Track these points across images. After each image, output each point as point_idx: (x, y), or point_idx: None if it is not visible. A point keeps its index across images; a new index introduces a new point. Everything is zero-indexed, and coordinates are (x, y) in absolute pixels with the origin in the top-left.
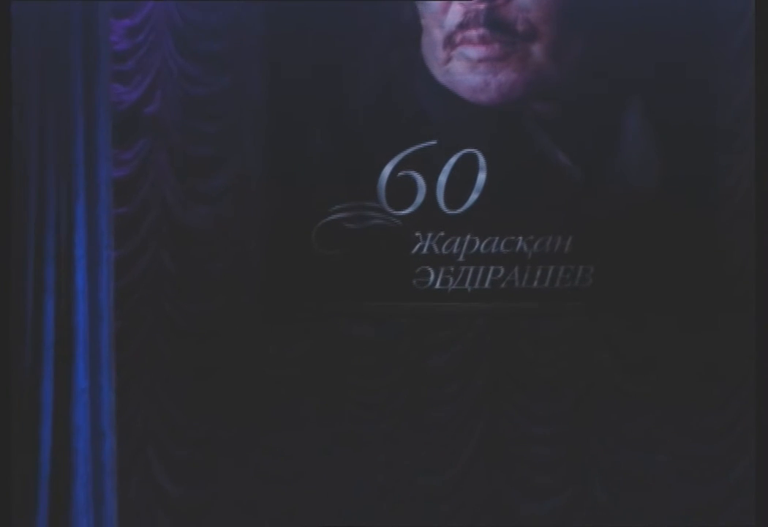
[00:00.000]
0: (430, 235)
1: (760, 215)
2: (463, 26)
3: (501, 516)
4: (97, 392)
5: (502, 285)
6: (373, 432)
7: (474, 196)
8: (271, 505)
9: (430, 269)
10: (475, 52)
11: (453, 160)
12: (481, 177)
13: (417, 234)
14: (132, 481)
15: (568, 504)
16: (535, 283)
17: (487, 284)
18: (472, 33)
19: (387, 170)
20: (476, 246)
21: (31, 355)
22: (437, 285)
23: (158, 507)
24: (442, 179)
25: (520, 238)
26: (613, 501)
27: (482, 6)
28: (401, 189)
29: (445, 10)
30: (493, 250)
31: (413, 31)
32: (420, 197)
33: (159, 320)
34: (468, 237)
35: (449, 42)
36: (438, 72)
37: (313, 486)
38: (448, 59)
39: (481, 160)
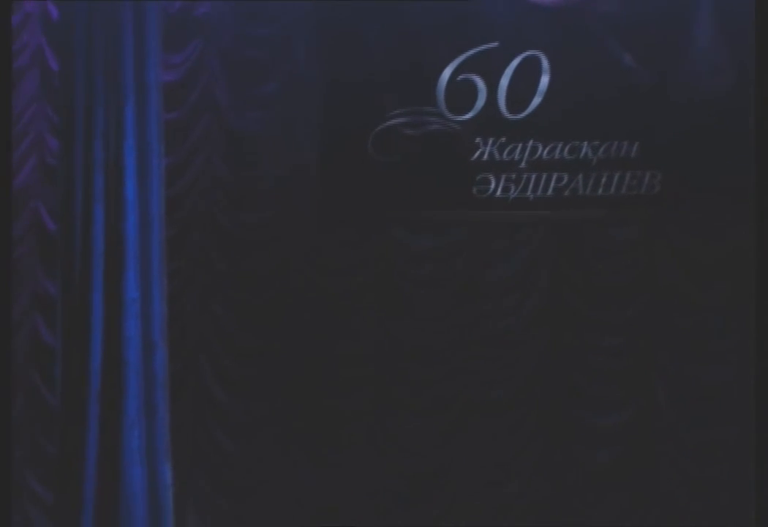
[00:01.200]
0: (490, 141)
1: (760, 215)
2: None
3: (564, 428)
4: (148, 303)
5: (566, 193)
6: (432, 343)
7: (537, 100)
8: (326, 414)
9: (490, 176)
10: None
11: (515, 63)
12: (544, 80)
13: (477, 140)
14: (184, 393)
15: (632, 416)
16: (600, 190)
17: (549, 192)
18: None
19: (446, 73)
20: (539, 152)
21: (80, 266)
22: (498, 193)
23: (211, 419)
24: (504, 82)
25: (585, 143)
26: (677, 413)
27: None
28: (461, 93)
29: None
30: (557, 156)
31: None
32: (480, 102)
33: (211, 229)
34: (530, 143)
35: None
36: None
37: (372, 393)
38: None
39: (545, 62)
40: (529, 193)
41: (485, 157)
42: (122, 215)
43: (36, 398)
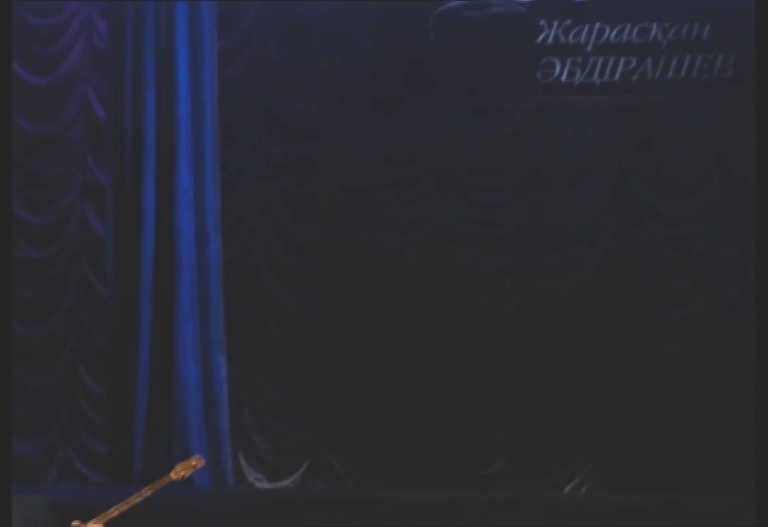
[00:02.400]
0: (556, 23)
1: (760, 215)
2: None
3: (631, 320)
4: (200, 193)
5: (634, 77)
6: (493, 232)
7: None
8: (383, 306)
9: (555, 60)
10: None
11: None
12: None
13: (542, 22)
14: (238, 285)
15: (702, 309)
16: (670, 74)
17: (617, 76)
18: None
19: None
20: (606, 35)
21: (130, 154)
22: (563, 78)
23: (265, 312)
24: None
25: (654, 25)
26: (747, 305)
27: None
28: None
29: None
30: (625, 39)
31: None
32: None
33: (264, 115)
34: (597, 25)
35: None
36: None
37: (426, 291)
38: None
39: None
40: (595, 77)
41: (550, 40)
42: (174, 101)
43: (87, 289)
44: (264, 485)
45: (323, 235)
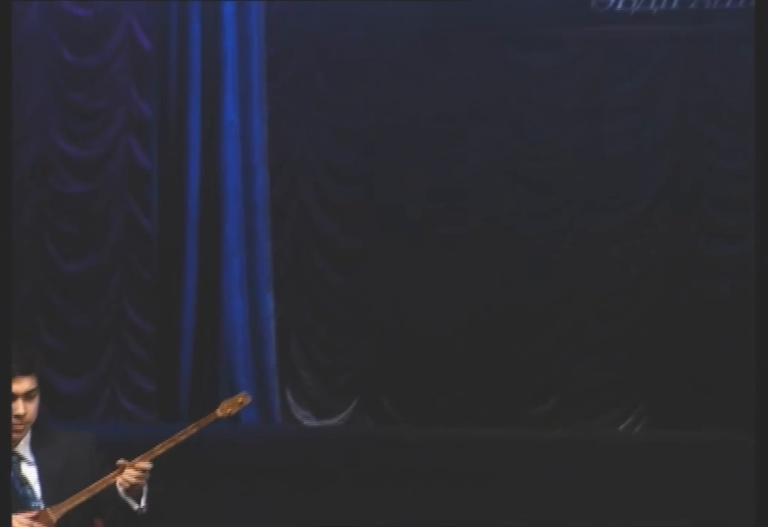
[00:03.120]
0: None
1: (760, 215)
2: None
3: (686, 256)
4: (247, 126)
5: (692, 6)
6: (544, 167)
7: None
8: (434, 241)
9: None
10: None
11: None
12: None
13: None
14: (286, 219)
15: None
16: (729, 2)
17: (674, 5)
18: None
19: None
20: None
21: (176, 86)
22: (619, 7)
23: (314, 247)
24: None
25: None
26: None
27: None
28: None
29: None
30: None
31: None
32: None
33: (313, 46)
34: None
35: None
36: None
37: (477, 225)
38: None
39: None
40: (652, 6)
41: None
42: (220, 32)
43: (132, 224)
44: (312, 423)
45: (372, 167)
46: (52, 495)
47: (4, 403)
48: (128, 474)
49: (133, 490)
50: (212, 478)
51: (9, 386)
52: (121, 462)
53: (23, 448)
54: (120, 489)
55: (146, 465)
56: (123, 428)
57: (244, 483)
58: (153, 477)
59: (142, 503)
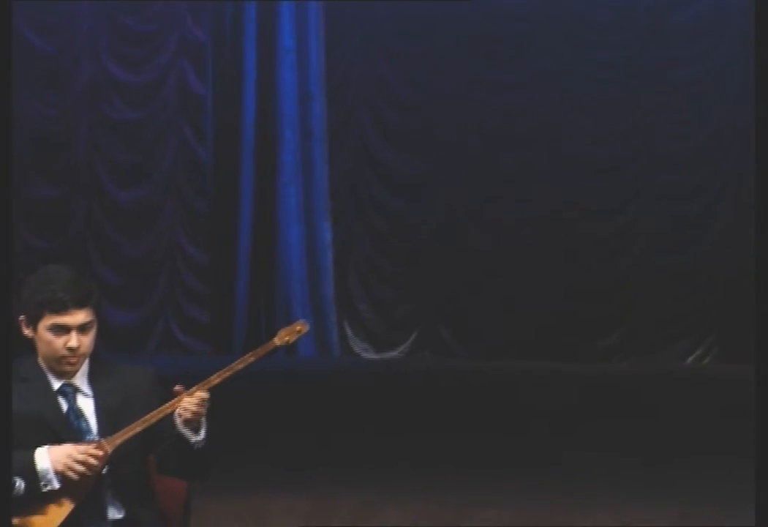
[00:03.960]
0: None
1: (760, 215)
2: None
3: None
4: (304, 51)
5: None
6: (610, 92)
7: None
8: (496, 170)
9: None
10: None
11: None
12: None
13: None
14: (343, 148)
15: None
16: None
17: None
18: None
19: None
20: None
21: (231, 12)
22: None
23: (372, 176)
24: None
25: None
26: None
27: None
28: None
29: None
30: None
31: None
32: None
33: None
34: None
35: None
36: None
37: (544, 151)
38: None
39: None
40: None
41: None
42: None
43: (186, 152)
44: (370, 355)
45: (431, 93)
46: (107, 428)
47: (4, 402)
48: (186, 403)
49: (191, 422)
50: (270, 412)
51: (9, 386)
52: (178, 388)
53: (80, 380)
54: (178, 421)
55: (204, 394)
56: (177, 360)
57: (302, 417)
58: (209, 410)
59: (201, 435)
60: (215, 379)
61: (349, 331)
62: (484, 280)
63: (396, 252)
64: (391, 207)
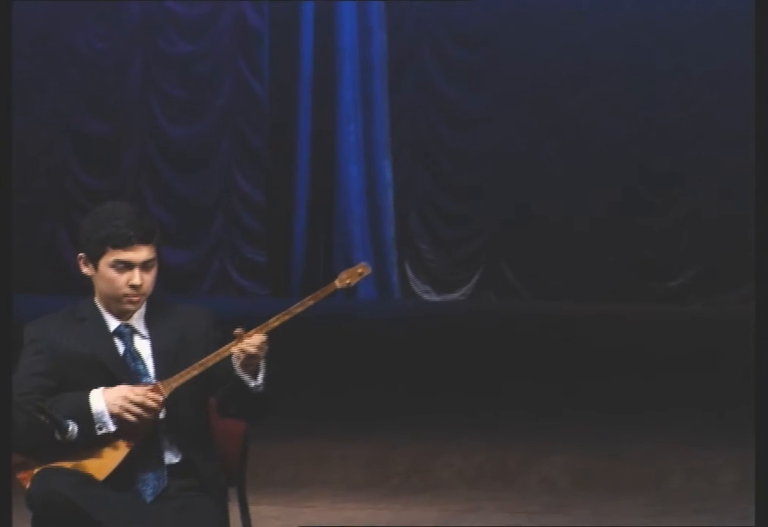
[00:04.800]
0: None
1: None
2: None
3: None
4: None
5: None
6: (686, 27)
7: None
8: (560, 103)
9: None
10: None
11: None
12: None
13: None
14: (404, 83)
15: None
16: None
17: None
18: None
19: None
20: None
21: None
22: None
23: (434, 112)
24: None
25: None
26: None
27: None
28: None
29: None
30: None
31: None
32: None
33: None
34: None
35: None
36: None
37: (607, 87)
38: None
39: None
40: None
41: None
42: None
43: (242, 87)
44: (432, 297)
45: (494, 27)
46: (164, 371)
47: (5, 401)
48: (245, 345)
49: (250, 365)
50: (328, 357)
51: (9, 384)
52: (238, 331)
53: (137, 321)
54: (236, 364)
55: (263, 337)
56: (233, 302)
57: (361, 362)
58: (267, 354)
59: (259, 380)
60: (274, 322)
61: (410, 272)
62: (550, 218)
63: (458, 190)
64: (452, 143)
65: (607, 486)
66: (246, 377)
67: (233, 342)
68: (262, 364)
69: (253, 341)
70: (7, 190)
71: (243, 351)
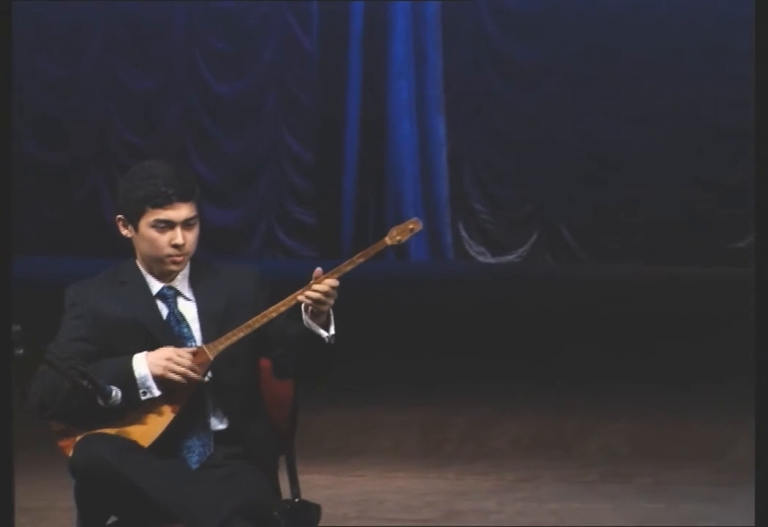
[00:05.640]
0: None
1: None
2: None
3: None
4: None
5: None
6: None
7: None
8: (613, 61)
9: None
10: None
11: None
12: None
13: None
14: (458, 37)
15: None
16: None
17: None
18: None
19: None
20: None
21: None
22: None
23: (489, 66)
24: None
25: None
26: None
27: None
28: None
29: None
30: None
31: None
32: None
33: None
34: None
35: None
36: None
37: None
38: None
39: None
40: None
41: None
42: None
43: (290, 41)
44: (487, 259)
45: None
46: (210, 333)
47: (5, 400)
48: (316, 288)
49: (320, 315)
50: (380, 319)
51: (9, 382)
52: (317, 271)
53: (181, 283)
54: (305, 315)
55: (334, 281)
56: (280, 263)
57: (414, 326)
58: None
59: (332, 330)
60: (323, 280)
61: (464, 233)
62: (611, 177)
63: (515, 148)
64: (509, 99)
65: (669, 454)
66: (316, 328)
67: (289, 298)
68: (331, 313)
69: (323, 285)
70: (8, 189)
71: (313, 297)
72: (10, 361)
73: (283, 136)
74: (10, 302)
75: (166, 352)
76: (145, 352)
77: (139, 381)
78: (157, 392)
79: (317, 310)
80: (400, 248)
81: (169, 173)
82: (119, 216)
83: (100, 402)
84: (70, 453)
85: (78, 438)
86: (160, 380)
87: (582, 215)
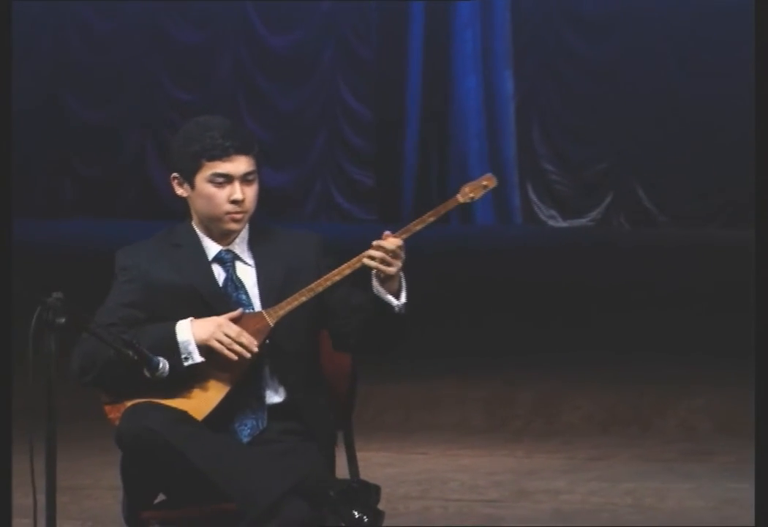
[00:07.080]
0: None
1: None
2: None
3: None
4: None
5: None
6: None
7: None
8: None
9: None
10: None
11: None
12: None
13: None
14: None
15: None
16: None
17: None
18: None
19: None
20: None
21: None
22: None
23: (560, 17)
24: None
25: None
26: None
27: None
28: None
29: None
30: None
31: None
32: None
33: None
34: None
35: None
36: None
37: None
38: None
39: None
40: None
41: None
42: None
43: None
44: (558, 223)
45: None
46: (270, 301)
47: (5, 398)
48: (382, 245)
49: (390, 281)
50: (442, 288)
51: (10, 381)
52: (387, 233)
53: (239, 246)
54: (375, 282)
55: (398, 240)
56: (337, 228)
57: (479, 295)
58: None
59: (403, 298)
60: (387, 238)
61: (533, 195)
62: (690, 135)
63: (587, 104)
64: (580, 52)
65: (752, 431)
66: (387, 295)
67: (354, 260)
68: (402, 279)
69: (387, 243)
70: (8, 187)
71: (377, 256)
72: (11, 361)
73: (340, 91)
74: (10, 303)
75: (218, 319)
76: (190, 318)
77: (181, 346)
78: (198, 359)
79: (385, 274)
80: (464, 212)
81: (226, 125)
82: (174, 175)
83: (147, 373)
84: (117, 423)
85: (126, 406)
86: (205, 348)
87: (659, 175)
